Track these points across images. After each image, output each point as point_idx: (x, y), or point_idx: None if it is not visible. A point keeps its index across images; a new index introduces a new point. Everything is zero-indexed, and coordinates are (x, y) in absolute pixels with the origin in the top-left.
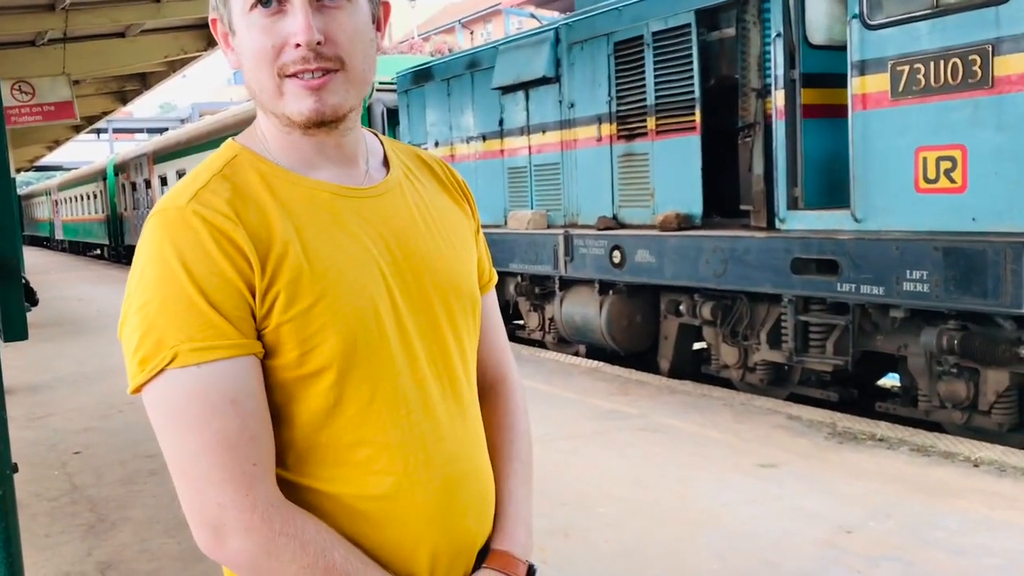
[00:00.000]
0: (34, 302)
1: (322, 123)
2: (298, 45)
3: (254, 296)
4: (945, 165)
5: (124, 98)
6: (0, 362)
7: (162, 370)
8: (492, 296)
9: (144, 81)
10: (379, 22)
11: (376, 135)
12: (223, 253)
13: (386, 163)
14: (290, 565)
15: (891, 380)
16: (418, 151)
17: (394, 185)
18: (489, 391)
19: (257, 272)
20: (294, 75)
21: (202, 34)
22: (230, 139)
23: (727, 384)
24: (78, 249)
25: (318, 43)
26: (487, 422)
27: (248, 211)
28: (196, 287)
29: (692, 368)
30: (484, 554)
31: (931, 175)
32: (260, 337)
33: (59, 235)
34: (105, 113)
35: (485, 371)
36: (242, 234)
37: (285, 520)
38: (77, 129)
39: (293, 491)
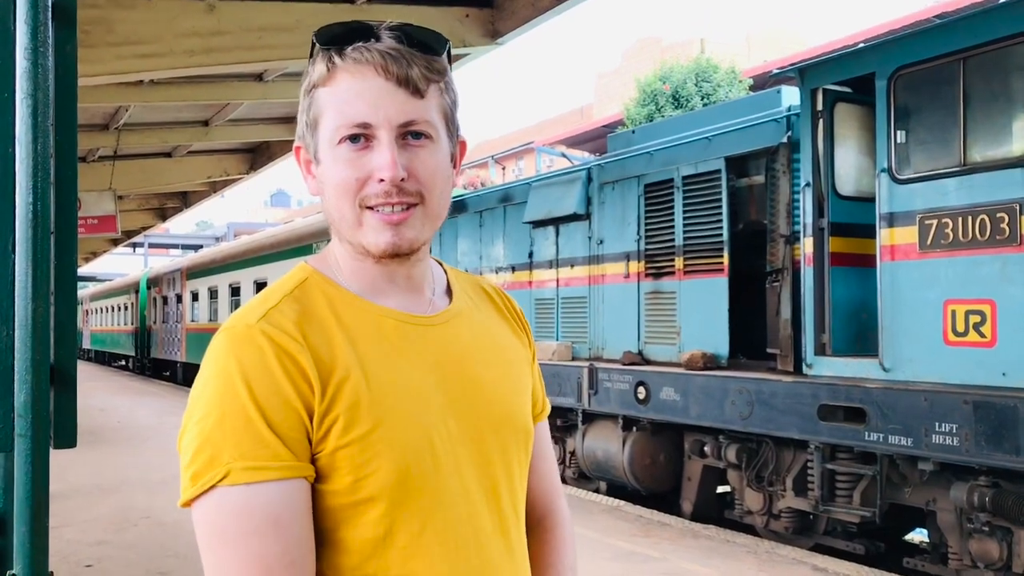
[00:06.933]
0: None
1: (396, 255)
2: (382, 180)
3: (312, 419)
4: (974, 319)
5: (164, 215)
6: (48, 469)
7: (213, 486)
8: (545, 426)
9: (185, 199)
10: (455, 159)
11: (440, 263)
12: (286, 374)
13: (449, 291)
14: None
15: (919, 535)
16: (479, 280)
17: (457, 314)
18: (538, 525)
19: (318, 395)
20: (374, 208)
21: (246, 157)
22: (303, 261)
23: (751, 530)
24: (104, 359)
25: (402, 179)
26: (535, 557)
27: (313, 333)
28: (256, 406)
29: (715, 512)
30: None
31: (960, 328)
32: (313, 461)
33: (86, 344)
34: (144, 228)
35: (535, 502)
36: (307, 356)
37: None
38: (115, 242)
39: None
